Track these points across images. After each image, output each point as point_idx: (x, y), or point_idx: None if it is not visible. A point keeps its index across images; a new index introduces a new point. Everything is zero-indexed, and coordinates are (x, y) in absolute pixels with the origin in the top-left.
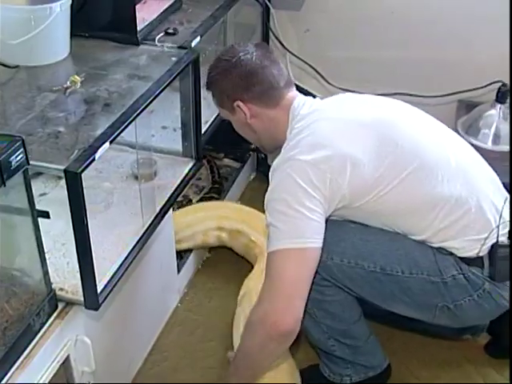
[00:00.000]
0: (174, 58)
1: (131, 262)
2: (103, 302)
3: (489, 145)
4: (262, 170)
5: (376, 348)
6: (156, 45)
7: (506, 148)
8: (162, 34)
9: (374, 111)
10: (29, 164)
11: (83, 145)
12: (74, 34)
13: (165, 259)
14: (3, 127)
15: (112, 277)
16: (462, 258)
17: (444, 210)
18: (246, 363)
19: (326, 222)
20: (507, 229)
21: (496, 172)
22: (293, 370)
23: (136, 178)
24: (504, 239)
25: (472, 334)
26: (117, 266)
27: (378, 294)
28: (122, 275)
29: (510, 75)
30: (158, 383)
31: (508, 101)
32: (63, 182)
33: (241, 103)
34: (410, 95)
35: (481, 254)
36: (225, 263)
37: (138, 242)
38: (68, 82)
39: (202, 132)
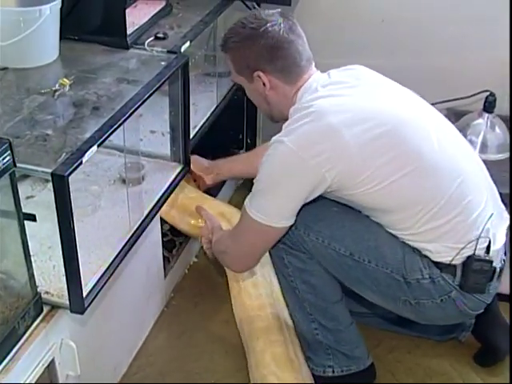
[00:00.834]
0: (163, 63)
1: (117, 265)
2: (89, 305)
3: (476, 153)
4: None
5: (359, 339)
6: (146, 49)
7: (493, 157)
8: (151, 39)
9: (387, 104)
10: (15, 166)
11: (71, 148)
12: (63, 36)
13: (151, 263)
14: None
15: (98, 281)
16: (435, 263)
17: (426, 217)
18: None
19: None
20: (486, 244)
21: None
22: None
23: (124, 181)
24: (481, 253)
25: (457, 336)
26: (103, 270)
27: (347, 277)
28: (108, 279)
29: (510, 84)
30: None
31: (495, 110)
32: (51, 184)
33: (262, 74)
34: None
35: (454, 263)
36: (211, 268)
37: (124, 246)
38: (57, 85)
39: (191, 137)
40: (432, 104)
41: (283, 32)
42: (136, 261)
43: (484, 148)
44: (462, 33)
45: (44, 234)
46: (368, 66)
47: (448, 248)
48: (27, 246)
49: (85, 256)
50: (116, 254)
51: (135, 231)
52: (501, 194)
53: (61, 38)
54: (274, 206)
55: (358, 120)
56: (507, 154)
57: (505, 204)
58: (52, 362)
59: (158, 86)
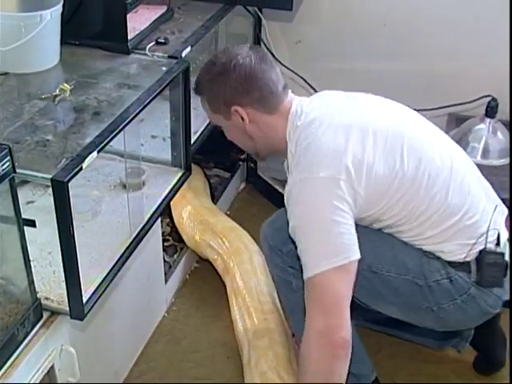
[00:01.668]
0: (164, 68)
1: (118, 271)
2: (89, 311)
3: (478, 159)
4: (252, 180)
5: (364, 356)
6: (146, 54)
7: (495, 162)
8: (152, 44)
9: (379, 116)
10: (15, 172)
11: (71, 153)
12: (64, 41)
13: (152, 269)
14: None
15: (98, 286)
16: (449, 262)
17: (442, 217)
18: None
19: None
20: (495, 236)
21: None
22: None
23: (124, 186)
24: (492, 246)
25: (455, 346)
26: (103, 276)
27: (366, 293)
28: (108, 285)
29: (510, 89)
30: None
31: (497, 115)
32: (51, 190)
33: (239, 108)
34: None
35: (468, 259)
36: (212, 274)
37: (125, 252)
38: (57, 90)
39: (192, 142)
40: (434, 109)
41: (255, 63)
42: (136, 266)
43: (486, 153)
44: (464, 37)
45: (44, 239)
46: (369, 70)
47: (460, 245)
48: (27, 251)
49: (85, 261)
50: (116, 259)
51: (136, 236)
52: (502, 199)
53: (62, 43)
54: (332, 240)
55: (361, 134)
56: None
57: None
58: (52, 368)
59: (158, 91)
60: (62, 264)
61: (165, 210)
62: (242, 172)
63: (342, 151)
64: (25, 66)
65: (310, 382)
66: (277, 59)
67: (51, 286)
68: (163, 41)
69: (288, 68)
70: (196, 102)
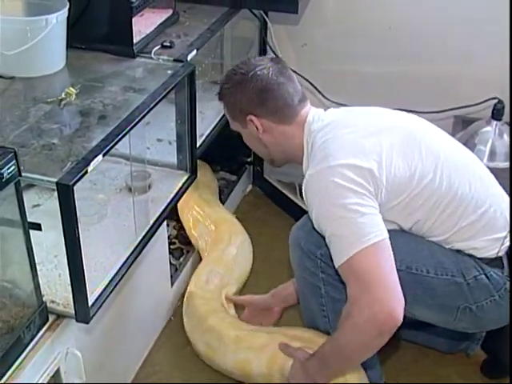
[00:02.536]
0: (169, 71)
1: (123, 275)
2: (94, 315)
3: (484, 161)
4: (258, 183)
5: (375, 361)
6: (152, 57)
7: (502, 164)
8: (158, 47)
9: (390, 120)
10: (21, 176)
11: (76, 157)
12: (70, 45)
13: (158, 272)
14: None
15: (104, 290)
16: (481, 259)
17: (467, 209)
18: (338, 361)
19: None
20: None
21: None
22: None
23: (130, 190)
24: None
25: (465, 349)
26: (109, 279)
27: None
28: (113, 288)
29: (510, 92)
30: None
31: (503, 118)
32: (57, 193)
33: (254, 118)
34: (407, 110)
35: (500, 254)
36: None
37: (130, 255)
38: (63, 94)
39: (197, 145)
40: (440, 111)
41: (272, 75)
42: (142, 269)
43: (492, 156)
44: (470, 39)
45: (50, 242)
46: (375, 73)
47: (492, 240)
48: (33, 254)
49: (91, 265)
50: (122, 262)
51: (141, 240)
52: None
53: (67, 47)
54: (360, 222)
55: (378, 130)
56: None
57: None
58: (57, 371)
59: (164, 94)
60: (67, 267)
61: (171, 213)
62: (248, 175)
63: (360, 145)
64: (31, 70)
65: (331, 355)
66: None
67: (57, 289)
68: (169, 44)
69: (294, 71)
70: (201, 105)
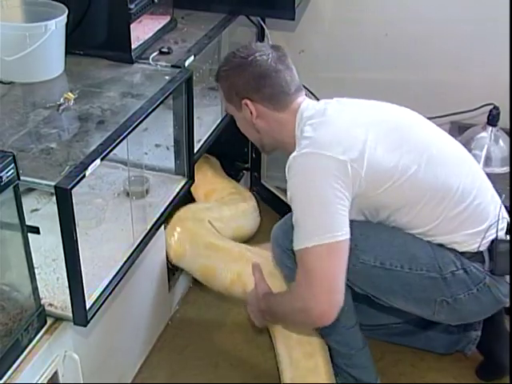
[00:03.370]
0: (167, 77)
1: (121, 278)
2: (92, 318)
3: (480, 167)
4: (256, 189)
5: (368, 363)
6: (150, 63)
7: (498, 170)
8: (156, 53)
9: (380, 112)
10: (19, 179)
11: (75, 161)
12: (69, 51)
13: (156, 276)
14: None
15: (101, 293)
16: (462, 253)
17: (450, 203)
18: (278, 317)
19: None
20: (505, 224)
21: None
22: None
23: (128, 194)
24: (502, 234)
25: (462, 349)
26: (106, 283)
27: (379, 289)
28: (111, 292)
29: (510, 98)
30: None
31: (499, 123)
32: (55, 197)
33: (249, 102)
34: None
35: (481, 249)
36: None
37: (128, 259)
38: (62, 99)
39: (195, 150)
40: (436, 117)
41: (271, 61)
42: (140, 273)
43: (488, 161)
44: (466, 46)
45: (48, 246)
46: (372, 79)
47: (472, 235)
48: (31, 258)
49: (88, 268)
50: (120, 266)
51: (139, 244)
52: (506, 207)
53: (66, 53)
54: (325, 218)
55: (366, 121)
56: None
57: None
58: (55, 374)
59: (161, 100)
60: (65, 271)
61: (168, 218)
62: (245, 181)
63: (346, 134)
64: (30, 76)
65: (282, 310)
66: None
67: (55, 293)
68: (166, 50)
69: None
70: (199, 110)
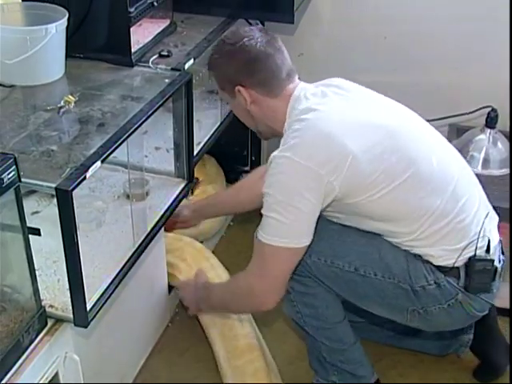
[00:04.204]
0: (167, 80)
1: (121, 280)
2: (92, 319)
3: (478, 169)
4: None
5: (362, 358)
6: (150, 66)
7: (496, 172)
8: (155, 56)
9: (378, 113)
10: (20, 181)
11: (75, 163)
12: (69, 54)
13: (156, 279)
14: None
15: (102, 295)
16: (438, 267)
17: (429, 220)
18: (219, 305)
19: None
20: (485, 242)
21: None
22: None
23: (128, 197)
24: (481, 252)
25: (456, 351)
26: (107, 285)
27: (353, 293)
28: (111, 294)
29: (510, 100)
30: None
31: (497, 126)
32: (56, 200)
33: (242, 88)
34: None
35: (457, 265)
36: None
37: (128, 261)
38: (62, 102)
39: (195, 153)
40: (434, 120)
41: (260, 46)
42: (140, 276)
43: (486, 163)
44: (464, 49)
45: (49, 248)
46: (371, 82)
47: (449, 251)
48: (32, 260)
49: (89, 270)
50: (120, 268)
51: (139, 246)
52: (501, 208)
53: (66, 56)
54: (293, 225)
55: (356, 127)
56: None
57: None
58: (56, 375)
59: (161, 102)
60: (66, 272)
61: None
62: None
63: (332, 143)
64: (30, 79)
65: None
66: None
67: (56, 294)
68: (166, 53)
69: None
70: (199, 113)
